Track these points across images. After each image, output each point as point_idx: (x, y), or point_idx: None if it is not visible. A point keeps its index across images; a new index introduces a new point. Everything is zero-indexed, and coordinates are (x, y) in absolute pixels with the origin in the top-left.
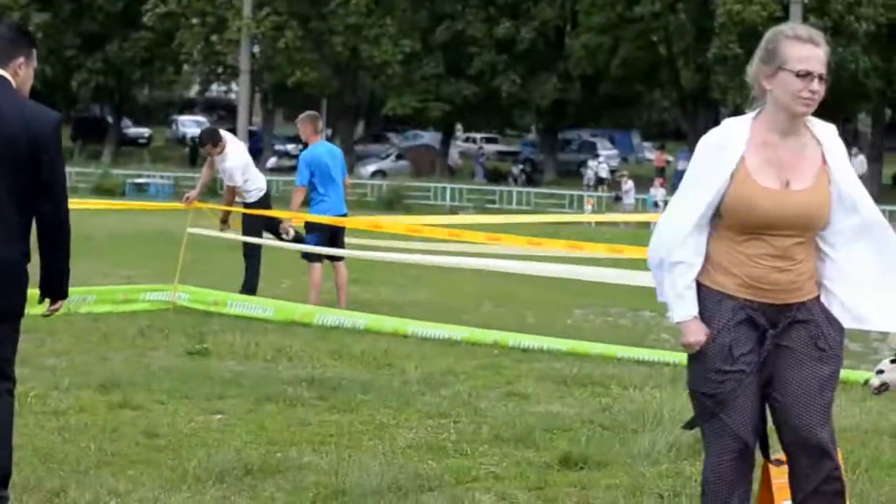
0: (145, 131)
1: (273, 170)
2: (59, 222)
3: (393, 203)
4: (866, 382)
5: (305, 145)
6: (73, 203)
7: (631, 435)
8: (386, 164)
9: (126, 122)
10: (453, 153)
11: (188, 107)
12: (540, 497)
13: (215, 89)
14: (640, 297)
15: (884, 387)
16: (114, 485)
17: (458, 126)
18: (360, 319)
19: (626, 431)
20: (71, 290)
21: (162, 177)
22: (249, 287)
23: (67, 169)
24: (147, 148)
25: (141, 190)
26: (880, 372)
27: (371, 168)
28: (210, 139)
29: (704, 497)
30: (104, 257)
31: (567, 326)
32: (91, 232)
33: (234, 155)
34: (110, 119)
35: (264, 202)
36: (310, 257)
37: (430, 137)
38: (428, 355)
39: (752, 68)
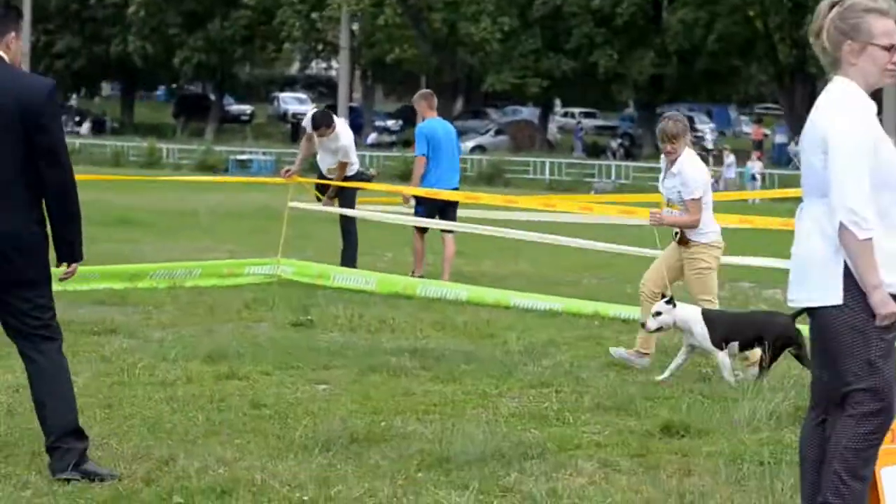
0: (247, 108)
1: (373, 145)
2: (63, 188)
3: (492, 178)
4: (643, 325)
5: (406, 120)
6: (177, 179)
7: (731, 403)
8: (485, 140)
9: (228, 99)
10: (552, 128)
11: (289, 84)
12: (641, 464)
13: (316, 66)
14: (737, 267)
15: (659, 329)
16: (221, 453)
17: (557, 101)
18: (463, 291)
19: (727, 400)
20: (176, 264)
21: (264, 153)
22: (349, 259)
23: (171, 146)
24: (249, 125)
25: (243, 166)
26: (658, 314)
27: (470, 143)
28: (324, 121)
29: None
30: (208, 232)
31: None
32: (194, 208)
33: (346, 133)
34: (212, 96)
35: (359, 177)
36: (417, 227)
37: (528, 112)
38: (529, 326)
39: (829, 40)
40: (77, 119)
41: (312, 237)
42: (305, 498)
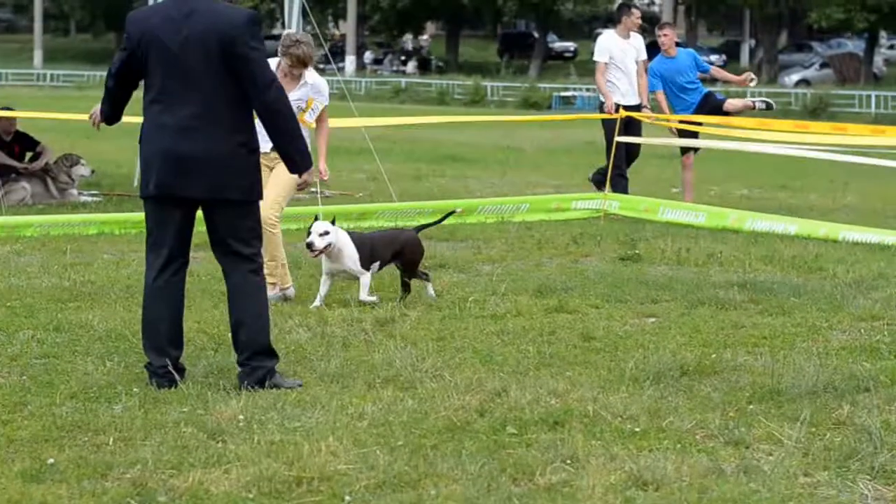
0: (570, 45)
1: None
2: (271, 109)
3: (817, 112)
4: (308, 245)
5: (730, 55)
6: (501, 117)
7: None
8: (810, 73)
9: (551, 36)
10: (878, 60)
11: (611, 20)
12: None
13: (639, 2)
14: None
15: (328, 247)
16: (553, 385)
17: (882, 33)
18: (791, 225)
19: None
20: (504, 199)
21: (588, 90)
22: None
23: (495, 84)
24: (573, 61)
25: (567, 103)
26: (325, 233)
27: (795, 77)
28: None
29: None
30: (534, 169)
31: None
32: (520, 144)
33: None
34: (536, 34)
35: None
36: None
37: (854, 45)
38: (859, 259)
39: None
40: (403, 59)
41: (638, 171)
42: (637, 429)
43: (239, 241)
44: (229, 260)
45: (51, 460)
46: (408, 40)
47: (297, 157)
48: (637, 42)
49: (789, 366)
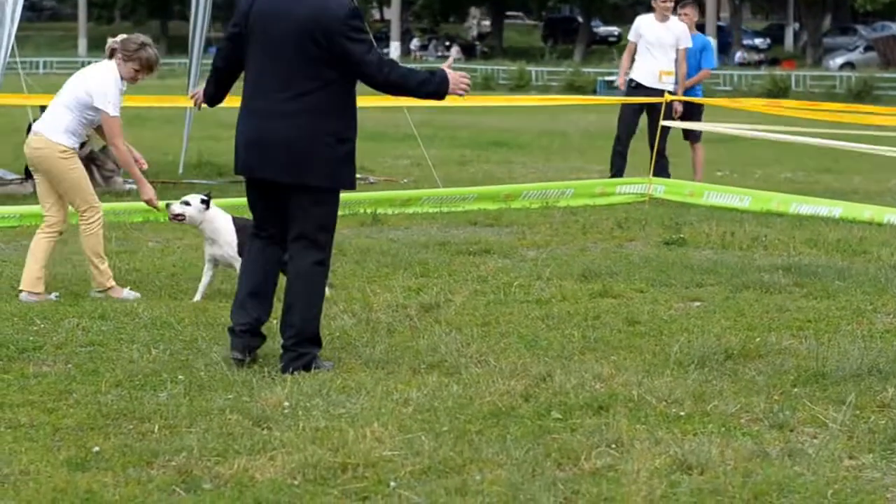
0: (614, 30)
1: (741, 64)
2: (392, 84)
3: (862, 95)
4: (167, 206)
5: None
6: (546, 101)
7: None
8: (854, 56)
9: (596, 21)
10: None
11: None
12: None
13: None
14: None
15: (181, 217)
16: (598, 370)
17: None
18: (836, 208)
19: None
20: (549, 184)
21: None
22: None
23: (539, 68)
24: (616, 46)
25: (612, 87)
26: (187, 203)
27: (839, 60)
28: None
29: None
30: (578, 153)
31: None
32: (564, 129)
33: None
34: (580, 19)
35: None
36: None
37: None
38: None
39: None
40: (447, 44)
41: (683, 155)
42: (682, 413)
43: (310, 228)
44: (298, 245)
45: (96, 448)
46: (472, 26)
47: (434, 97)
48: (678, 28)
49: (834, 349)
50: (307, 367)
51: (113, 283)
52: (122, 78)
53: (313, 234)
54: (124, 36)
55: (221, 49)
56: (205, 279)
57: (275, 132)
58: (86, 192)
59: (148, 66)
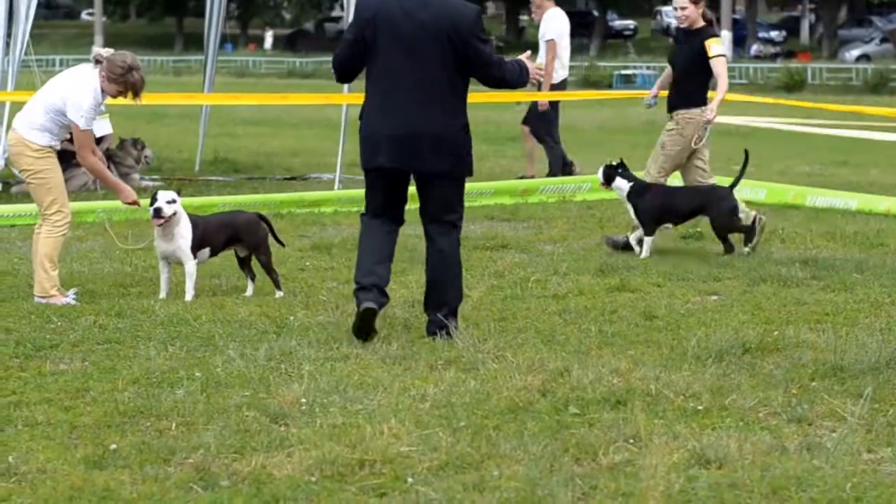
0: (630, 23)
1: (756, 57)
2: (503, 81)
3: (878, 87)
4: (156, 210)
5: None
6: (561, 96)
7: None
8: (870, 48)
9: (611, 14)
10: None
11: None
12: None
13: None
14: None
15: (174, 215)
16: (615, 364)
17: None
18: (852, 201)
19: None
20: (566, 178)
21: (648, 67)
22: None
23: None
24: (632, 40)
25: (628, 81)
26: (173, 201)
27: (855, 52)
28: None
29: None
30: (594, 148)
31: None
32: (580, 124)
33: None
34: (596, 12)
35: None
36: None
37: None
38: None
39: None
40: None
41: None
42: (700, 407)
43: (449, 211)
44: (437, 226)
45: (113, 446)
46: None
47: (520, 86)
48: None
49: (852, 342)
50: (451, 335)
51: (56, 291)
52: (102, 91)
53: (452, 215)
54: (111, 52)
55: (340, 57)
56: (164, 276)
57: (423, 127)
58: (57, 193)
59: (133, 91)
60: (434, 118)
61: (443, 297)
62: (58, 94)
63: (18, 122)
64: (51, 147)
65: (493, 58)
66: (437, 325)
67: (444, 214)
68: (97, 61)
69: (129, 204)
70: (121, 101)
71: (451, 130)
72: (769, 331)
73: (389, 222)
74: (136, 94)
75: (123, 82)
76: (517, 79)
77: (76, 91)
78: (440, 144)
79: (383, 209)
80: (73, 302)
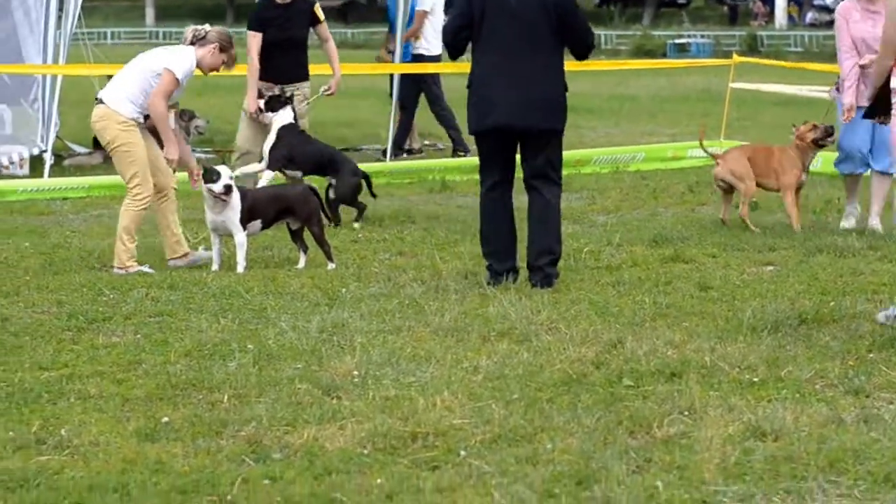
0: None
1: (812, 25)
2: (589, 51)
3: None
4: (212, 181)
5: None
6: (615, 65)
7: None
8: None
9: None
10: None
11: None
12: None
13: None
14: None
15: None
16: (670, 336)
17: None
18: None
19: None
20: (619, 148)
21: (702, 36)
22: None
23: (608, 32)
24: (686, 8)
25: (682, 50)
26: (231, 177)
27: None
28: None
29: None
30: (649, 117)
31: None
32: (635, 93)
33: None
34: None
35: None
36: None
37: None
38: None
39: None
40: None
41: (755, 119)
42: (755, 379)
43: (553, 168)
44: (543, 182)
45: (165, 419)
46: None
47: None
48: None
49: None
50: (551, 284)
51: (134, 263)
52: (198, 66)
53: (555, 170)
54: (207, 27)
55: (452, 27)
56: (216, 248)
57: (534, 89)
58: (139, 166)
59: (231, 62)
60: (544, 81)
61: (547, 245)
62: (158, 59)
63: (106, 93)
64: (135, 120)
65: (588, 26)
66: (537, 276)
67: (550, 171)
68: (196, 38)
69: (169, 161)
70: None
71: (558, 91)
72: (825, 301)
73: (507, 189)
74: (230, 67)
75: (228, 53)
76: (591, 49)
77: (180, 55)
78: (550, 104)
79: (501, 174)
80: (149, 271)
